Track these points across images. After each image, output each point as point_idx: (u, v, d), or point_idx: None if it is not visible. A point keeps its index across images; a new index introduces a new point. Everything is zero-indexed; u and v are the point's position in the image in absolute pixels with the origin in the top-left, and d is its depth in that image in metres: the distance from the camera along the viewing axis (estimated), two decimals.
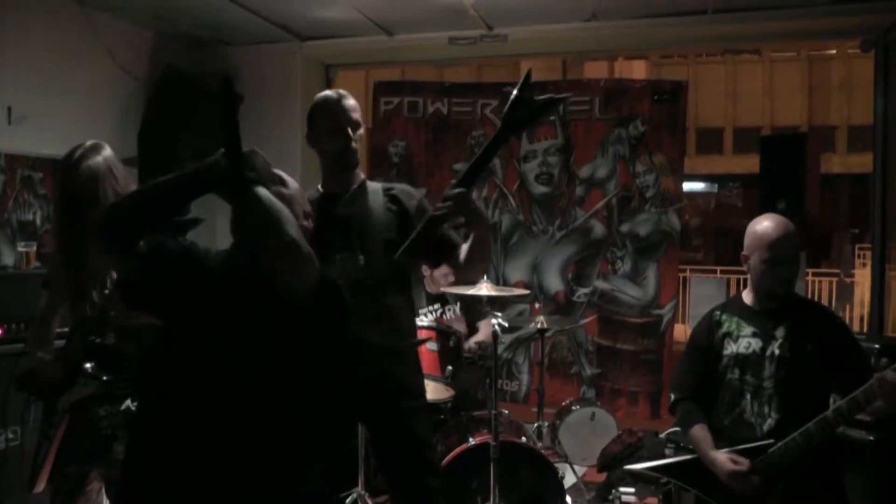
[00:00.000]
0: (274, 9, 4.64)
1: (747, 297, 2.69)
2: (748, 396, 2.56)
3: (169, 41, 5.13)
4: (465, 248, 2.41)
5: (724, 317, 2.69)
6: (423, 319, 3.99)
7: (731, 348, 2.62)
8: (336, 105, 2.49)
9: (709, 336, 2.69)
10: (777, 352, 2.54)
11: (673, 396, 2.79)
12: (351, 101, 2.51)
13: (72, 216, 2.48)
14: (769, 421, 2.51)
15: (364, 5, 4.52)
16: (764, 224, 2.59)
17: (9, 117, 4.00)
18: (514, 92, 2.18)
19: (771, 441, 2.46)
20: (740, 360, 2.59)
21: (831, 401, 2.51)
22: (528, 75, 2.19)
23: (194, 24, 4.90)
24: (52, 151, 4.27)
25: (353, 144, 2.49)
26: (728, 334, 2.65)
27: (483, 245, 2.43)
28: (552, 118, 5.39)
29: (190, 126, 4.86)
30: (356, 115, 2.50)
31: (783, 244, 2.53)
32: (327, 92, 2.57)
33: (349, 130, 2.47)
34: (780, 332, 2.56)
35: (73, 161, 2.49)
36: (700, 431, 2.60)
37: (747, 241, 2.62)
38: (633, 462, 3.46)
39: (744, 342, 2.60)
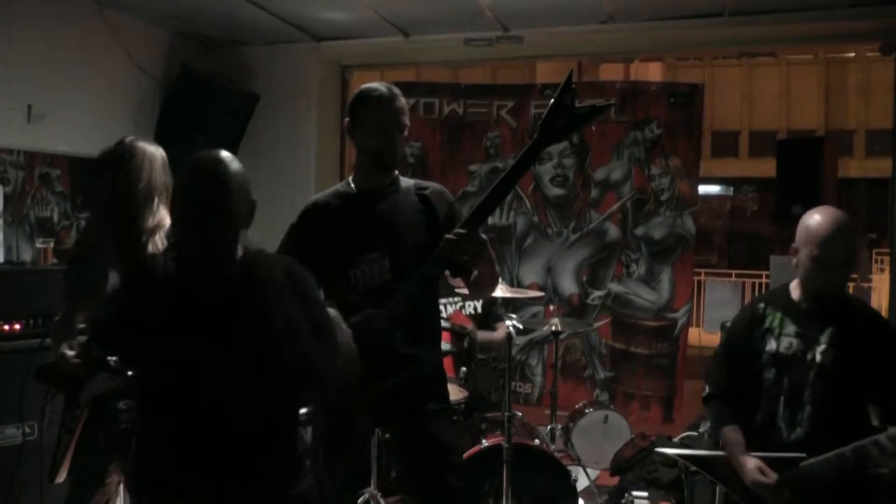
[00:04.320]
0: (290, 9, 4.66)
1: (794, 291, 2.52)
2: (781, 400, 2.45)
3: (186, 41, 5.16)
4: (475, 273, 2.42)
5: (768, 311, 2.53)
6: (442, 311, 3.97)
7: (771, 345, 2.48)
8: (388, 104, 2.41)
9: (749, 330, 2.55)
10: (819, 358, 2.40)
11: (707, 389, 2.67)
12: (402, 102, 2.44)
13: (127, 190, 2.51)
14: (798, 430, 2.42)
15: (380, 6, 4.52)
16: (820, 217, 2.40)
17: (28, 115, 4.03)
18: (554, 97, 2.07)
19: (802, 455, 2.35)
20: (779, 360, 2.46)
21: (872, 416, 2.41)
22: (569, 78, 2.07)
23: (211, 24, 4.93)
24: (69, 149, 4.32)
25: (397, 147, 2.44)
26: (770, 331, 2.50)
27: (489, 279, 2.46)
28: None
29: (206, 126, 4.89)
30: (405, 118, 2.43)
31: (836, 243, 2.34)
32: (379, 87, 2.44)
33: (396, 132, 2.41)
34: (824, 337, 2.41)
35: (128, 144, 2.56)
36: (732, 433, 2.51)
37: (799, 233, 2.44)
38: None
39: (785, 341, 2.46)
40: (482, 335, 4.10)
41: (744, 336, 2.57)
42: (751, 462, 2.43)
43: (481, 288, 2.53)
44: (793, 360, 2.45)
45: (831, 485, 2.31)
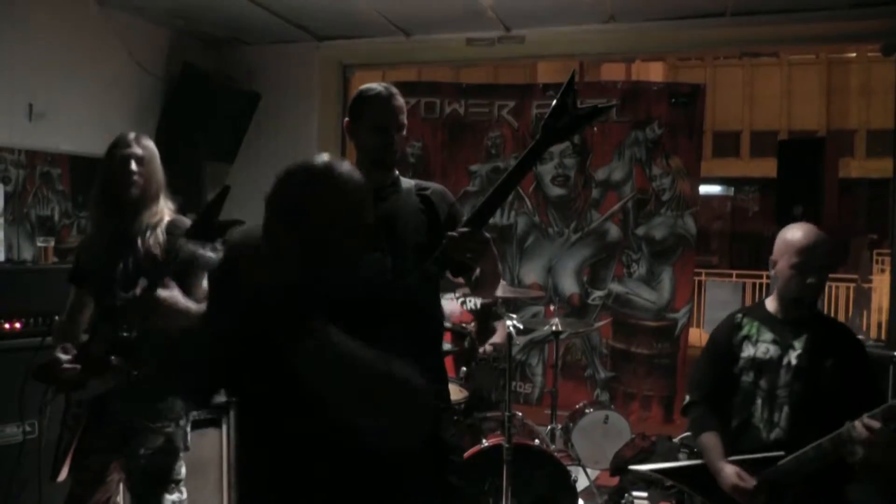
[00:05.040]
0: (292, 8, 4.66)
1: (770, 304, 2.66)
2: (759, 402, 2.54)
3: (187, 40, 5.17)
4: (477, 272, 2.41)
5: (745, 320, 2.66)
6: (444, 305, 3.97)
7: (749, 351, 2.60)
8: (386, 103, 2.41)
9: (728, 337, 2.66)
10: (794, 362, 2.51)
11: (687, 398, 2.75)
12: (401, 101, 2.45)
13: (127, 188, 2.52)
14: (777, 430, 2.49)
15: (382, 6, 4.52)
16: (797, 230, 2.56)
17: (29, 114, 4.04)
18: (556, 98, 2.08)
19: (780, 454, 2.41)
20: (756, 364, 2.57)
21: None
22: (571, 80, 2.07)
23: (212, 22, 4.93)
24: (70, 148, 4.32)
25: (396, 145, 2.44)
26: (747, 337, 2.62)
27: (491, 278, 2.46)
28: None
29: (207, 125, 4.89)
30: (403, 116, 2.44)
31: (814, 251, 2.48)
32: (377, 86, 2.46)
33: (394, 131, 2.42)
34: (798, 343, 2.53)
35: (130, 138, 2.57)
36: (710, 439, 2.57)
37: (777, 245, 2.59)
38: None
39: (762, 347, 2.58)
40: (488, 346, 4.10)
41: (723, 343, 2.67)
42: (729, 468, 2.46)
43: (483, 287, 2.53)
44: (770, 364, 2.55)
45: (809, 478, 2.35)
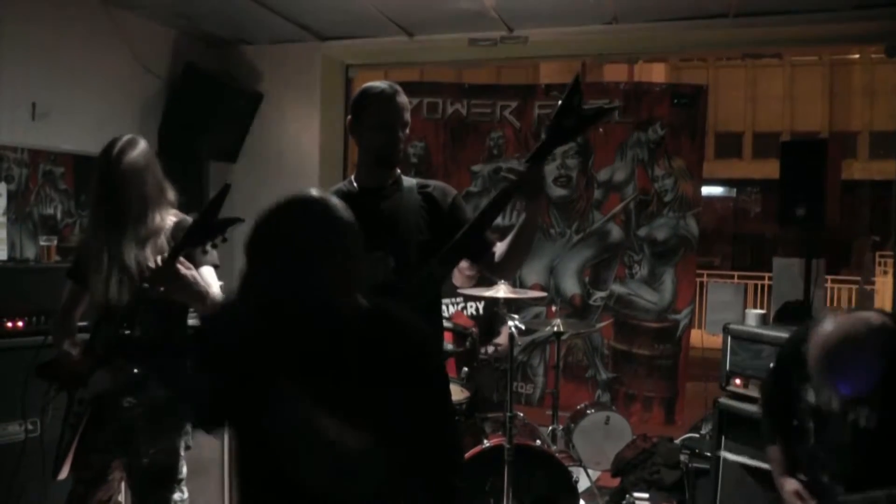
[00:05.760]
0: (295, 8, 4.66)
1: None
2: (822, 456, 2.28)
3: (190, 40, 5.17)
4: (499, 247, 2.38)
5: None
6: (444, 311, 3.97)
7: (810, 397, 2.28)
8: (390, 101, 2.41)
9: (790, 369, 2.37)
10: (861, 421, 2.15)
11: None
12: (404, 99, 2.44)
13: (112, 206, 2.49)
14: (839, 486, 2.22)
15: (385, 6, 4.52)
16: (813, 340, 2.13)
17: (32, 113, 4.05)
18: (561, 99, 2.08)
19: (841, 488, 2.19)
20: (817, 415, 2.26)
21: None
22: (576, 81, 2.08)
23: (216, 22, 4.93)
24: (73, 147, 4.32)
25: (400, 144, 2.43)
26: (809, 379, 2.24)
27: (526, 247, 2.37)
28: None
29: (210, 125, 4.89)
30: (407, 114, 2.44)
31: (828, 366, 2.10)
32: (380, 84, 2.45)
33: (399, 129, 2.42)
34: (871, 399, 2.13)
35: (115, 152, 2.49)
36: (773, 453, 2.48)
37: None
38: None
39: (825, 394, 2.22)
40: (490, 347, 4.11)
41: (786, 372, 2.43)
42: (790, 485, 2.38)
43: (517, 251, 2.38)
44: (831, 419, 2.22)
45: None
